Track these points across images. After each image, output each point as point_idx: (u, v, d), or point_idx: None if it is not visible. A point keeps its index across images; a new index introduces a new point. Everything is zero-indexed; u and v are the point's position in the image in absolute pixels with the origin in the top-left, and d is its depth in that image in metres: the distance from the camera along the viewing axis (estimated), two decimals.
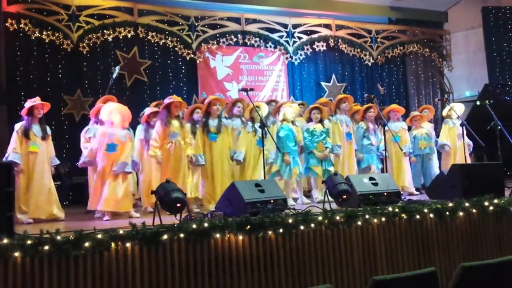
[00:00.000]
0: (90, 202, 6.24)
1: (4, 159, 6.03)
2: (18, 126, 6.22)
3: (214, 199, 6.64)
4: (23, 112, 6.26)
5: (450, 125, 8.70)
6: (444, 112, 9.01)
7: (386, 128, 7.31)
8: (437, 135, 9.02)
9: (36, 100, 6.29)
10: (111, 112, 6.25)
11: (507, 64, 12.43)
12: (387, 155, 7.83)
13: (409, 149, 8.27)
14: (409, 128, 8.78)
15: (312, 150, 7.33)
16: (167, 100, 6.64)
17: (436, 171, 8.42)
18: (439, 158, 8.90)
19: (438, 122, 11.33)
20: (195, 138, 6.78)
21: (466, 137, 8.10)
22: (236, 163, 7.03)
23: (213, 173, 6.89)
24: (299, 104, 8.33)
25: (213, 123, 6.95)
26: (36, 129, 6.24)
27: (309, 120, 7.60)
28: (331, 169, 7.21)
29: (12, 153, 6.02)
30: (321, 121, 7.51)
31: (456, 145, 8.55)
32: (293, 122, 7.34)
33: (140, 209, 6.89)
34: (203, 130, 6.90)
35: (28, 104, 6.25)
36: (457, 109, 8.62)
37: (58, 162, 6.54)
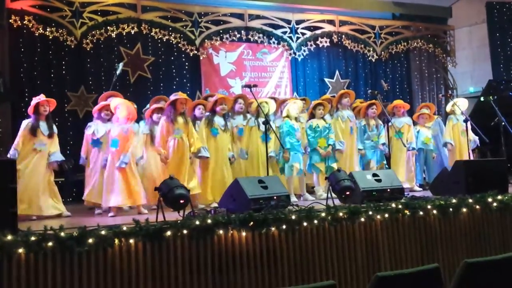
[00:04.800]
0: (103, 198, 6.18)
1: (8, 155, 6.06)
2: (25, 123, 6.23)
3: (213, 195, 6.72)
4: (30, 111, 6.27)
5: (454, 122, 8.65)
6: (448, 108, 8.97)
7: (390, 124, 7.29)
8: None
9: (41, 97, 6.30)
10: (118, 106, 6.26)
11: (511, 60, 12.37)
12: (390, 151, 7.79)
13: (411, 145, 8.22)
14: (414, 123, 8.69)
15: (315, 147, 7.33)
16: (172, 97, 6.64)
17: (447, 164, 8.35)
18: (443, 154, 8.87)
19: (442, 118, 11.27)
20: (198, 132, 6.79)
21: (471, 132, 8.07)
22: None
23: (213, 169, 6.90)
24: (300, 99, 8.32)
25: (218, 120, 7.00)
26: (43, 126, 6.23)
27: (311, 116, 7.58)
28: (335, 165, 7.20)
29: (12, 149, 6.05)
30: (322, 117, 7.51)
31: (460, 141, 8.52)
32: (296, 119, 7.34)
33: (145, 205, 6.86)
34: (207, 124, 6.92)
35: (33, 102, 6.25)
36: (461, 104, 8.57)
37: (62, 158, 6.49)
